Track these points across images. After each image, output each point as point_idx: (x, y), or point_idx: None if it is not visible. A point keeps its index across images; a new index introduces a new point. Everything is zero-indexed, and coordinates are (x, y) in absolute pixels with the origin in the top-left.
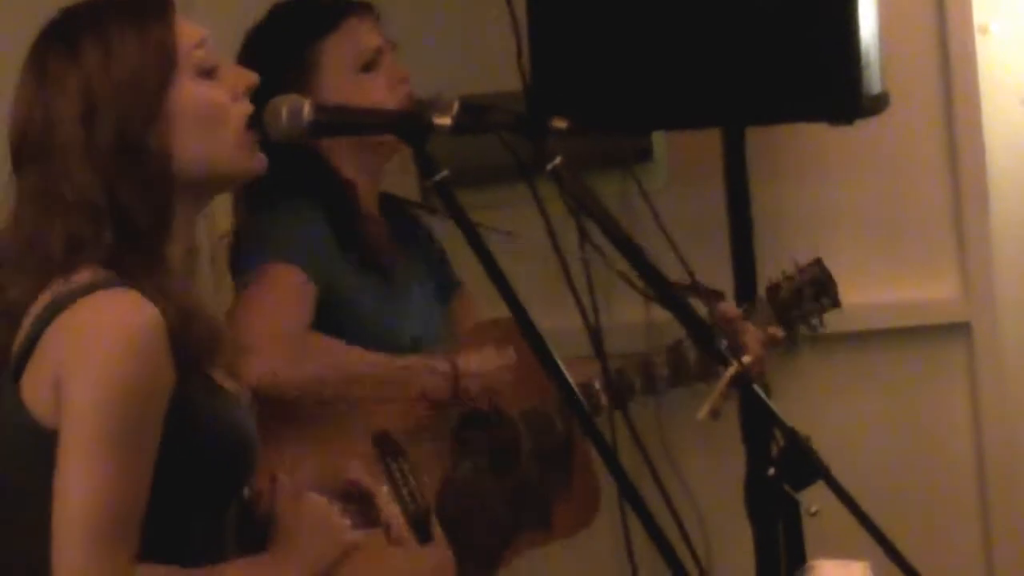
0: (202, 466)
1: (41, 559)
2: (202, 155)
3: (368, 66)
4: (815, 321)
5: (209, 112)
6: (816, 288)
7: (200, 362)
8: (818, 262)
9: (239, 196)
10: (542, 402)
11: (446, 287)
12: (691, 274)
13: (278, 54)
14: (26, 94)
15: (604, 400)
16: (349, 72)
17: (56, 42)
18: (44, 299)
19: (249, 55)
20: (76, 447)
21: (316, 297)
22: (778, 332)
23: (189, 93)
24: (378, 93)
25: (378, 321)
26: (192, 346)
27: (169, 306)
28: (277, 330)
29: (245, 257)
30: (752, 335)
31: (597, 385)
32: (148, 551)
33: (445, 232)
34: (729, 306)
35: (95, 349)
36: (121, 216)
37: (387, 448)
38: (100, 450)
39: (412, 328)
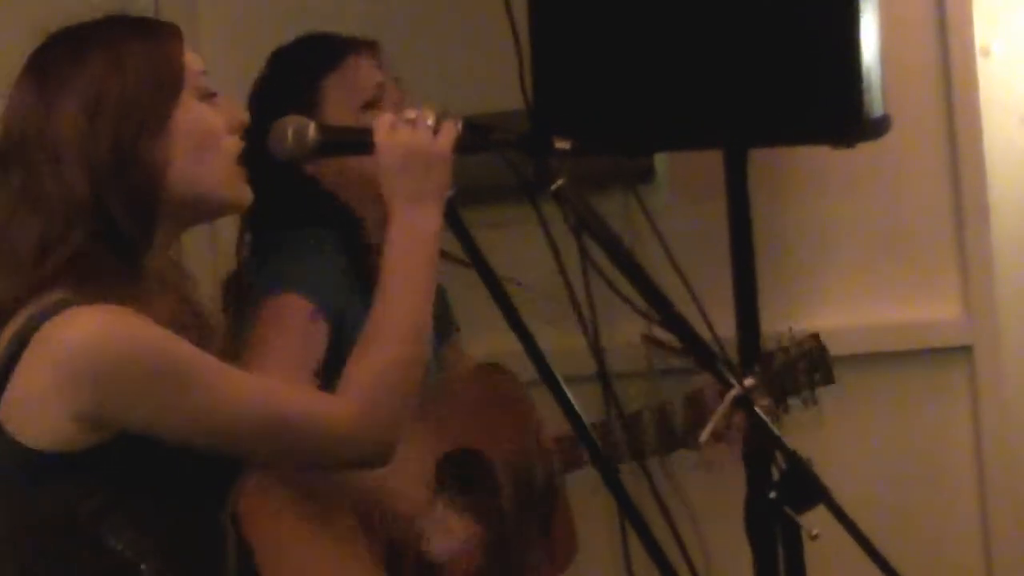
0: (195, 461)
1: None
2: (192, 176)
3: (370, 104)
4: (807, 394)
5: (206, 135)
6: (810, 363)
7: None
8: (815, 337)
9: (243, 231)
10: (524, 451)
11: (443, 331)
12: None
13: (282, 95)
14: (23, 97)
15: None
16: (351, 110)
17: (62, 51)
18: (18, 320)
19: (255, 97)
20: (201, 419)
21: (329, 331)
22: (765, 403)
23: (192, 113)
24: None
25: None
26: None
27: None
28: (287, 372)
29: (257, 289)
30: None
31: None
32: (151, 546)
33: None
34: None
35: (105, 369)
36: (104, 222)
37: None
38: (200, 380)
39: None
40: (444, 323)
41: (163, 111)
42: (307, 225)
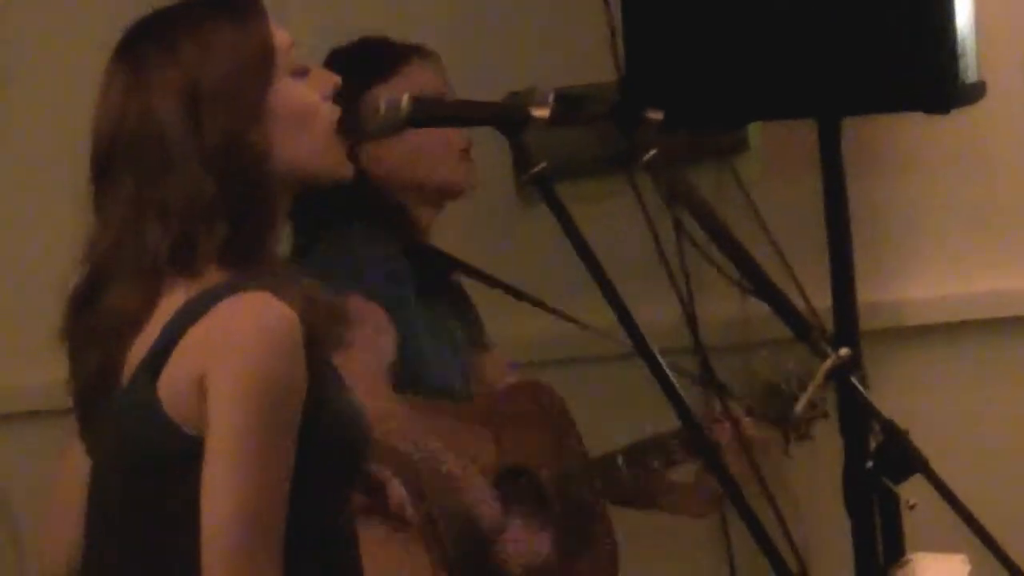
0: (331, 459)
1: (173, 552)
2: (296, 154)
3: None
4: (804, 430)
5: (304, 111)
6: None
7: (326, 347)
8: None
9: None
10: (568, 468)
11: (476, 340)
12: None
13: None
14: (116, 97)
15: (625, 473)
16: None
17: (148, 42)
18: (175, 300)
19: None
20: (221, 453)
21: (396, 339)
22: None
23: (287, 92)
24: (437, 146)
25: (431, 366)
26: (320, 334)
27: (295, 298)
28: (368, 381)
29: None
30: (752, 431)
31: (619, 461)
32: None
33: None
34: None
35: (238, 354)
36: (233, 214)
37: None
38: (245, 457)
39: (454, 376)
40: (477, 332)
41: (260, 95)
42: (355, 219)
